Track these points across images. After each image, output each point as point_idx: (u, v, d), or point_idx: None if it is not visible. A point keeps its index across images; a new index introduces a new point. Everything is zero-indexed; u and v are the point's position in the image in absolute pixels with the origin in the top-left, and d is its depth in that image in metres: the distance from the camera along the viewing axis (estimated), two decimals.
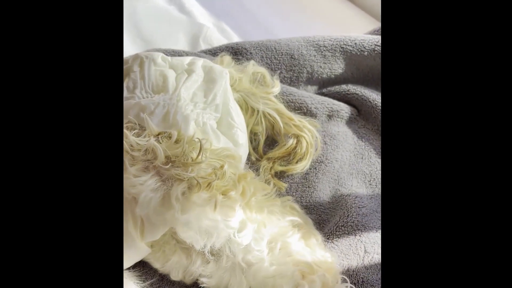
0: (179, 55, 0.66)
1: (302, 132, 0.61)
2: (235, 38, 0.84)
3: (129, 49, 0.80)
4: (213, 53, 0.72)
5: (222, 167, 0.45)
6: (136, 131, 0.45)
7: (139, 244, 0.46)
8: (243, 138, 0.53)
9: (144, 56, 0.51)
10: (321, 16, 0.88)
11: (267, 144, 0.64)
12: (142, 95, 0.48)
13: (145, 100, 0.47)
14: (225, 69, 0.54)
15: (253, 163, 0.62)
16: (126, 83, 0.49)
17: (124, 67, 0.51)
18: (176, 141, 0.45)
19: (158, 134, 0.45)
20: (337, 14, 0.90)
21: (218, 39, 0.81)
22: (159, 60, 0.51)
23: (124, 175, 0.43)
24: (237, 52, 0.70)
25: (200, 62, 0.53)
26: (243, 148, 0.54)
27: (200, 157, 0.44)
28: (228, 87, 0.53)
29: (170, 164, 0.43)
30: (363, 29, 0.82)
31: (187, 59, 0.53)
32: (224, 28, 0.86)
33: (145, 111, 0.46)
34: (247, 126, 0.62)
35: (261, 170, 0.60)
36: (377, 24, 0.84)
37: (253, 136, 0.64)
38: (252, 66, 0.64)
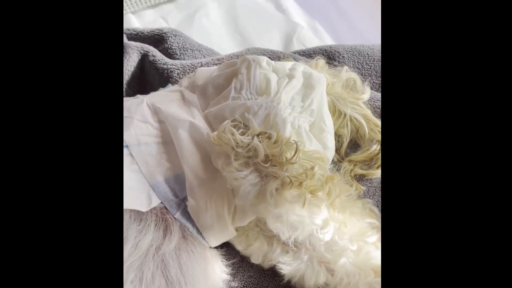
0: (277, 56, 0.71)
1: None
2: (327, 39, 0.87)
3: (227, 44, 0.87)
4: (307, 54, 0.76)
5: (312, 168, 0.50)
6: (241, 130, 0.50)
7: (229, 227, 0.53)
8: (331, 141, 0.57)
9: (251, 59, 0.56)
10: None
11: (349, 146, 0.68)
12: (247, 96, 0.54)
13: (250, 101, 0.52)
14: (322, 75, 0.58)
15: (334, 163, 0.66)
16: (234, 83, 0.55)
17: (233, 68, 0.57)
18: (275, 142, 0.50)
19: (259, 134, 0.50)
20: None
21: (311, 39, 0.85)
22: (264, 64, 0.56)
23: (228, 168, 0.49)
24: (330, 56, 0.74)
25: (301, 68, 0.57)
26: (331, 151, 0.58)
27: (295, 158, 0.49)
28: (324, 94, 0.57)
29: (268, 162, 0.48)
30: None
31: (289, 64, 0.58)
32: (317, 28, 0.89)
33: (250, 112, 0.52)
34: (334, 126, 0.66)
35: (342, 171, 0.64)
36: None
37: (337, 138, 0.67)
38: (345, 72, 0.67)
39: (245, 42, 0.87)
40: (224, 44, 0.87)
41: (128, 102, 0.56)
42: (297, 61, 0.70)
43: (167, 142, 0.53)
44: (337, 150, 0.67)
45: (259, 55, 0.71)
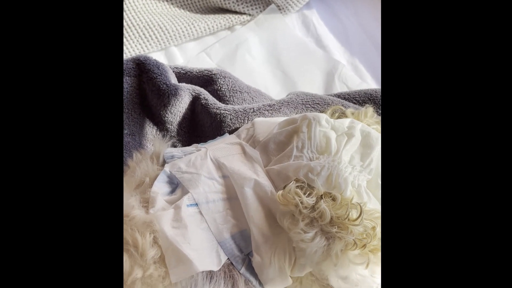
0: (326, 103, 0.73)
1: None
2: (367, 77, 0.89)
3: (270, 81, 0.89)
4: (352, 98, 0.77)
5: (374, 228, 0.52)
6: (306, 190, 0.53)
7: (288, 278, 0.55)
8: None
9: (311, 117, 0.58)
10: None
11: None
12: (309, 155, 0.56)
13: (314, 162, 0.54)
14: (379, 135, 0.60)
15: None
16: (296, 142, 0.57)
17: (293, 126, 0.59)
18: (339, 203, 0.52)
19: (323, 195, 0.52)
20: None
21: (352, 78, 0.87)
22: (323, 122, 0.58)
23: (295, 229, 0.51)
24: (376, 101, 0.76)
25: (359, 126, 0.59)
26: None
27: (359, 220, 0.51)
28: (380, 153, 0.59)
29: (333, 226, 0.50)
30: None
31: (347, 122, 0.60)
32: (357, 66, 0.91)
33: (313, 172, 0.54)
34: None
35: None
36: None
37: None
38: None
39: (287, 80, 0.89)
40: (267, 82, 0.89)
41: (193, 156, 0.59)
42: (346, 108, 0.72)
43: (232, 198, 0.56)
44: None
45: (308, 99, 0.73)
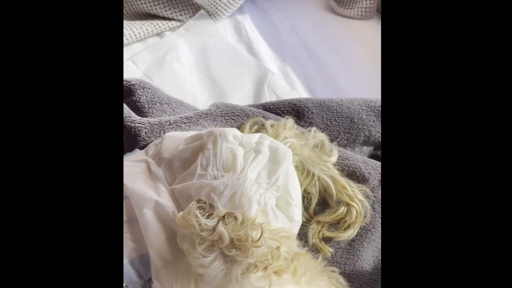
0: (246, 115, 0.70)
1: (353, 202, 0.65)
2: (298, 85, 0.87)
3: (199, 89, 0.86)
4: (277, 108, 0.75)
5: (278, 248, 0.51)
6: (206, 212, 0.50)
7: None
8: (298, 214, 0.58)
9: (217, 133, 0.56)
10: None
11: (318, 204, 0.69)
12: (214, 173, 0.54)
13: (216, 181, 0.52)
14: (289, 150, 0.58)
15: (303, 225, 0.66)
16: (200, 159, 0.55)
17: (199, 142, 0.56)
18: (241, 224, 0.50)
19: (225, 215, 0.50)
20: None
21: (282, 87, 0.85)
22: (230, 138, 0.56)
23: (193, 253, 0.49)
24: (300, 111, 0.74)
25: (267, 141, 0.57)
26: (298, 224, 0.58)
27: (260, 241, 0.49)
28: (290, 168, 0.57)
29: (233, 248, 0.48)
30: None
31: (255, 137, 0.58)
32: (288, 73, 0.89)
33: (216, 192, 0.51)
34: (301, 186, 0.66)
35: (309, 233, 0.65)
36: None
37: (306, 195, 0.68)
38: (314, 133, 0.67)
39: (216, 88, 0.86)
40: (195, 89, 0.86)
41: None
42: (266, 119, 0.70)
43: (131, 220, 0.53)
44: (306, 209, 0.67)
45: (228, 111, 0.71)
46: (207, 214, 0.50)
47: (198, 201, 0.52)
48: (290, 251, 0.52)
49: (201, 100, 0.84)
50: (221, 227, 0.48)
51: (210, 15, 0.93)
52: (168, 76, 0.86)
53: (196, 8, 0.93)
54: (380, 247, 0.65)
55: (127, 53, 0.91)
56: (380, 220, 0.67)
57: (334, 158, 0.67)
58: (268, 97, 0.84)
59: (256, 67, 0.88)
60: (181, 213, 0.51)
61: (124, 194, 0.54)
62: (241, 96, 0.85)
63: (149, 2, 0.91)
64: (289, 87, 0.86)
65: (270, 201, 0.55)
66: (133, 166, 0.58)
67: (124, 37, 0.89)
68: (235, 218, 0.50)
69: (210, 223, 0.49)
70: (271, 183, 0.55)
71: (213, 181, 0.52)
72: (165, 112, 0.75)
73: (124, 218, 0.53)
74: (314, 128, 0.69)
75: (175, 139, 0.60)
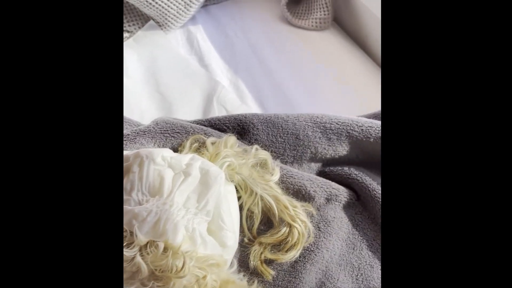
0: (186, 132, 0.68)
1: (295, 223, 0.63)
2: (248, 99, 0.85)
3: (147, 104, 0.83)
4: (222, 123, 0.73)
5: (204, 277, 0.48)
6: (126, 240, 0.48)
7: None
8: (231, 238, 0.55)
9: (144, 155, 0.53)
10: (340, 82, 0.88)
11: (263, 223, 0.66)
12: (138, 197, 0.51)
13: (139, 207, 0.49)
14: (221, 172, 0.56)
15: (245, 246, 0.64)
16: (124, 183, 0.52)
17: (125, 164, 0.54)
18: (164, 251, 0.47)
19: (147, 244, 0.48)
20: (357, 77, 0.89)
21: (232, 100, 0.83)
22: (158, 159, 0.54)
23: None
24: (245, 127, 0.72)
25: (198, 163, 0.55)
26: (231, 249, 0.56)
27: (182, 271, 0.47)
28: (221, 192, 0.55)
29: (154, 280, 0.46)
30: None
31: (186, 159, 0.55)
32: (239, 86, 0.87)
33: (138, 219, 0.49)
34: (245, 205, 0.64)
35: (251, 255, 0.62)
36: None
37: (249, 214, 0.66)
38: (255, 151, 0.65)
39: (165, 102, 0.83)
40: (142, 104, 0.83)
41: None
42: (208, 136, 0.68)
43: None
44: (249, 229, 0.65)
45: (167, 128, 0.68)
46: (127, 243, 0.47)
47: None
48: (218, 279, 0.50)
49: (148, 115, 0.81)
50: (138, 258, 0.45)
51: (160, 26, 0.90)
52: None
53: (146, 19, 0.91)
54: (323, 268, 0.63)
55: None
56: (324, 239, 0.65)
57: (276, 177, 0.65)
58: (217, 111, 0.82)
59: (207, 80, 0.86)
60: None
61: None
62: (189, 111, 0.82)
63: None
64: (239, 101, 0.84)
65: (199, 227, 0.52)
66: None
67: None
68: (157, 246, 0.47)
69: (129, 253, 0.46)
70: (200, 207, 0.53)
71: (136, 207, 0.50)
72: None
73: None
74: (256, 146, 0.66)
75: None
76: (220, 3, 0.99)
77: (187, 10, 0.88)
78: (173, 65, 0.88)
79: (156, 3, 0.84)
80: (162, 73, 0.87)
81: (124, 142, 0.66)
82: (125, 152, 0.57)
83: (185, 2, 0.87)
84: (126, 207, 0.50)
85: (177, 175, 0.54)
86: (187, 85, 0.86)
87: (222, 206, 0.55)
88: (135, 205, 0.51)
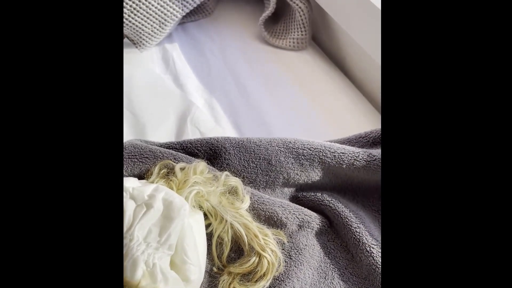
0: (155, 156, 0.66)
1: (265, 252, 0.61)
2: (223, 120, 0.84)
3: None
4: (193, 147, 0.71)
5: None
6: None
7: None
8: (195, 272, 0.54)
9: None
10: (316, 103, 0.87)
11: (234, 250, 0.65)
12: None
13: None
14: (185, 203, 0.54)
15: (213, 276, 0.62)
16: None
17: None
18: None
19: None
20: (336, 101, 0.88)
21: (205, 122, 0.82)
22: None
23: None
24: (217, 151, 0.70)
25: (161, 194, 0.53)
26: (196, 283, 0.54)
27: None
28: (185, 225, 0.54)
29: None
30: (364, 120, 0.81)
31: (149, 190, 0.54)
32: (215, 106, 0.86)
33: None
34: (215, 232, 0.62)
35: (220, 285, 0.61)
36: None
37: (219, 242, 0.64)
38: (225, 177, 0.64)
39: (137, 122, 0.82)
40: None
41: None
42: (177, 161, 0.66)
43: None
44: (219, 257, 0.64)
45: (136, 152, 0.67)
46: None
47: None
48: None
49: None
50: None
51: (134, 44, 0.88)
52: None
53: None
54: None
55: None
56: (295, 268, 0.64)
57: (246, 205, 0.63)
58: (191, 133, 0.80)
59: (181, 100, 0.84)
60: None
61: None
62: (163, 132, 0.80)
63: None
64: (213, 123, 0.82)
65: (160, 262, 0.50)
66: None
67: None
68: None
69: None
70: (162, 242, 0.51)
71: None
72: None
73: None
74: (226, 173, 0.65)
75: None
76: (197, 21, 0.97)
77: (162, 29, 0.87)
78: (147, 84, 0.86)
79: (130, 22, 0.83)
80: (135, 93, 0.85)
81: None
82: None
83: (159, 21, 0.85)
84: None
85: (139, 207, 0.52)
86: (161, 105, 0.84)
87: (186, 239, 0.53)
88: None
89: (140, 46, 0.89)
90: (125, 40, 0.89)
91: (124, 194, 0.52)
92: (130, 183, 0.53)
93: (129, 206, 0.51)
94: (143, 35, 0.86)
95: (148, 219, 0.51)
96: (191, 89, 0.87)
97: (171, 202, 0.53)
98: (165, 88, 0.86)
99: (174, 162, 0.66)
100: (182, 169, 0.64)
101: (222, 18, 1.00)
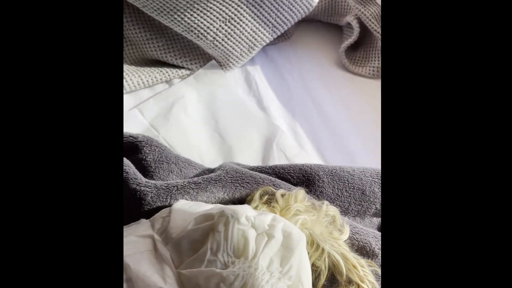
0: (256, 182, 0.68)
1: (363, 284, 0.62)
2: (307, 144, 0.85)
3: (206, 144, 0.84)
4: (286, 172, 0.73)
5: None
6: None
7: None
8: None
9: (229, 215, 0.53)
10: None
11: (327, 279, 0.66)
12: (224, 259, 0.51)
13: (227, 271, 0.49)
14: (302, 235, 0.56)
15: None
16: (210, 243, 0.52)
17: (209, 223, 0.54)
18: None
19: None
20: None
21: (291, 147, 0.83)
22: (242, 219, 0.53)
23: None
24: (310, 178, 0.72)
25: (281, 225, 0.55)
26: None
27: None
28: (303, 255, 0.55)
29: None
30: None
31: (268, 219, 0.55)
32: (298, 131, 0.87)
33: (225, 283, 0.49)
34: (310, 259, 0.63)
35: None
36: None
37: (314, 269, 0.65)
38: (326, 207, 0.65)
39: (224, 144, 0.84)
40: (202, 144, 0.83)
41: None
42: (277, 189, 0.68)
43: None
44: (314, 285, 0.65)
45: (237, 177, 0.69)
46: None
47: None
48: None
49: (208, 157, 0.82)
50: None
51: (220, 65, 0.91)
52: (175, 128, 0.84)
53: (207, 58, 0.92)
54: None
55: (134, 99, 0.89)
56: None
57: (345, 236, 0.64)
58: (277, 157, 0.82)
59: (266, 124, 0.86)
60: None
61: (127, 276, 0.51)
62: (249, 155, 0.82)
63: (160, 50, 0.89)
64: (298, 148, 0.84)
65: None
66: (138, 243, 0.55)
67: (132, 84, 0.87)
68: None
69: None
70: (283, 272, 0.52)
71: (223, 270, 0.50)
72: (172, 172, 0.72)
73: None
74: (326, 202, 0.66)
75: (183, 215, 0.57)
76: (276, 44, 0.99)
77: (250, 52, 0.89)
78: (232, 106, 0.89)
79: (223, 46, 0.85)
80: (221, 114, 0.87)
81: (195, 190, 0.66)
82: (208, 207, 0.58)
83: (249, 45, 0.88)
84: (213, 269, 0.50)
85: (260, 235, 0.53)
86: (246, 128, 0.86)
87: (303, 270, 0.54)
88: (221, 266, 0.50)
89: (225, 67, 0.91)
90: (212, 61, 0.92)
91: (246, 222, 0.54)
92: (250, 213, 0.55)
93: (251, 235, 0.53)
94: (232, 58, 0.89)
95: (270, 249, 0.52)
96: (274, 112, 0.89)
97: (290, 233, 0.55)
98: (249, 110, 0.88)
99: (274, 189, 0.68)
100: (282, 195, 0.66)
101: (301, 42, 1.02)
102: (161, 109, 0.87)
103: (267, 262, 0.52)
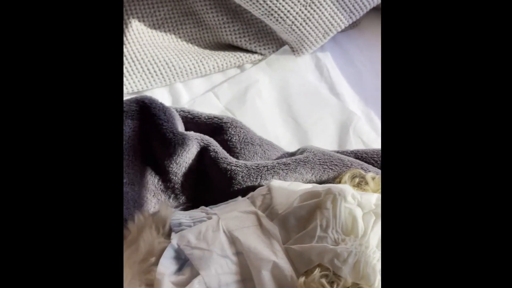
0: (345, 165, 0.68)
1: None
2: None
3: (281, 129, 0.84)
4: (369, 157, 0.73)
5: None
6: (329, 279, 0.47)
7: None
8: None
9: (337, 192, 0.53)
10: None
11: None
12: (334, 236, 0.51)
13: (340, 247, 0.49)
14: None
15: None
16: (319, 220, 0.52)
17: (316, 200, 0.54)
18: None
19: (351, 286, 0.47)
20: None
21: (368, 133, 0.82)
22: (349, 198, 0.53)
23: None
24: None
25: None
26: None
27: None
28: None
29: None
30: None
31: (374, 198, 0.55)
32: (372, 118, 0.86)
33: (340, 259, 0.48)
34: None
35: None
36: None
37: None
38: None
39: (299, 128, 0.83)
40: (277, 129, 0.83)
41: (203, 227, 0.53)
42: (366, 172, 0.67)
43: (246, 279, 0.50)
44: None
45: (326, 159, 0.68)
46: (332, 282, 0.47)
47: (321, 266, 0.49)
48: None
49: (284, 141, 0.81)
50: None
51: (293, 51, 0.91)
52: (250, 112, 0.84)
53: (280, 43, 0.91)
54: None
55: (207, 83, 0.89)
56: None
57: None
58: (354, 143, 0.81)
59: (340, 110, 0.86)
60: (302, 278, 0.48)
61: (237, 250, 0.51)
62: (325, 139, 0.82)
63: (235, 34, 0.89)
64: (374, 134, 0.83)
65: None
66: (243, 218, 0.55)
67: (204, 67, 0.87)
68: None
69: None
70: None
71: (337, 246, 0.49)
72: (256, 153, 0.72)
73: (238, 277, 0.50)
74: None
75: (285, 192, 0.57)
76: (345, 31, 0.99)
77: (324, 38, 0.89)
78: (305, 91, 0.88)
79: (299, 29, 0.85)
80: (294, 99, 0.87)
81: (285, 170, 0.66)
82: (306, 186, 0.58)
83: (324, 30, 0.87)
84: (326, 245, 0.50)
85: (366, 214, 0.53)
86: (320, 113, 0.85)
87: None
88: (332, 243, 0.50)
89: (298, 53, 0.91)
90: (285, 46, 0.91)
91: (353, 201, 0.54)
92: (355, 191, 0.55)
93: (358, 213, 0.53)
94: (306, 43, 0.88)
95: (379, 228, 0.52)
96: (347, 99, 0.88)
97: None
98: (322, 96, 0.88)
99: (363, 171, 0.67)
100: (373, 178, 0.65)
101: (369, 30, 1.00)
102: (235, 93, 0.87)
103: (376, 240, 0.52)
